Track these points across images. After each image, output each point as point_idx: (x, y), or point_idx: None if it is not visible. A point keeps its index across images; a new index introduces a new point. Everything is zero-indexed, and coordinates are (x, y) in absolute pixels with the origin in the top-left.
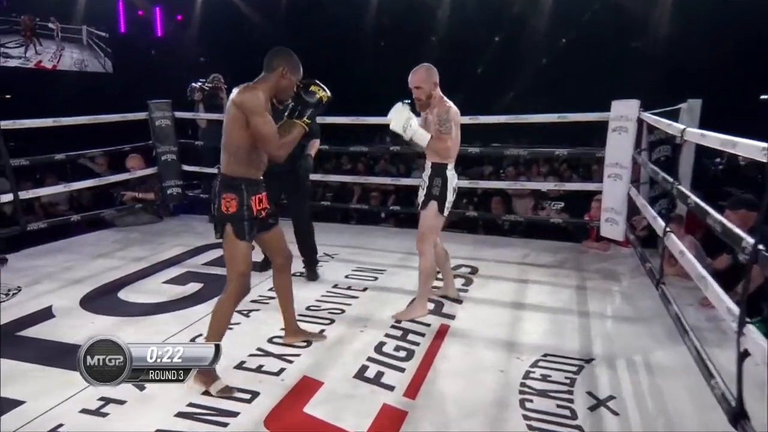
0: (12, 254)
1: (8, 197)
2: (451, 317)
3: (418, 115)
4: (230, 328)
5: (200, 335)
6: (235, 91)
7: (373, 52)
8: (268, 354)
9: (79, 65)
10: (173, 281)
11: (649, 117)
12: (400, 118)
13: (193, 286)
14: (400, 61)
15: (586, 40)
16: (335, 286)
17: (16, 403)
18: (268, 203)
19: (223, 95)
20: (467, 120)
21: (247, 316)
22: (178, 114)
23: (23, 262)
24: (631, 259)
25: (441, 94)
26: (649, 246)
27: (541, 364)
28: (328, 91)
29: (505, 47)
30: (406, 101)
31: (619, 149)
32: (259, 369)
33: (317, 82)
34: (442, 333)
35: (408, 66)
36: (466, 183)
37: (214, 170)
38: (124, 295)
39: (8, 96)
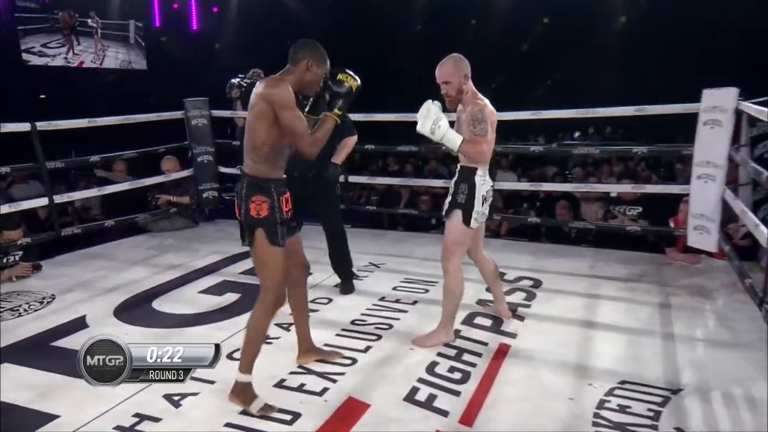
0: (46, 260)
1: (43, 201)
2: (512, 336)
3: (446, 111)
4: (269, 342)
5: (237, 350)
6: (260, 84)
7: (423, 45)
8: (309, 372)
9: (123, 63)
10: (209, 291)
11: (750, 107)
12: (428, 119)
13: (230, 297)
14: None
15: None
16: (382, 299)
17: (51, 417)
18: (291, 204)
19: None
20: (529, 115)
21: (287, 330)
22: (216, 112)
23: (57, 269)
24: (727, 273)
25: (474, 89)
26: (750, 258)
27: (617, 392)
28: (358, 79)
29: (565, 30)
30: (436, 101)
31: (711, 146)
32: (300, 388)
33: (346, 70)
34: (501, 353)
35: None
36: (527, 186)
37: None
38: (159, 305)
39: (43, 96)
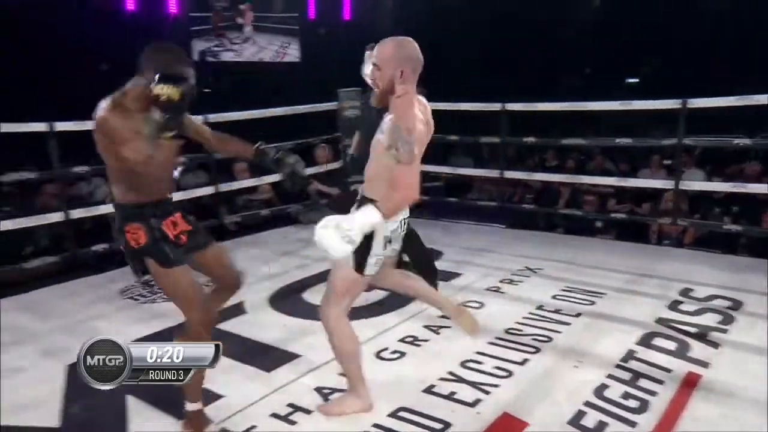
0: None
1: (210, 189)
2: (704, 364)
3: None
4: (417, 345)
5: (385, 349)
6: None
7: (591, 25)
8: (461, 380)
9: (277, 55)
10: None
11: None
12: (334, 241)
13: (378, 293)
14: (620, 35)
15: None
16: (540, 308)
17: (217, 396)
18: (188, 223)
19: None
20: (734, 101)
21: (436, 332)
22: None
23: None
24: None
25: (414, 95)
26: None
27: None
28: (180, 84)
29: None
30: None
31: None
32: (451, 396)
33: (163, 79)
34: (689, 384)
35: (633, 40)
36: (723, 186)
37: None
38: (309, 296)
39: (208, 90)
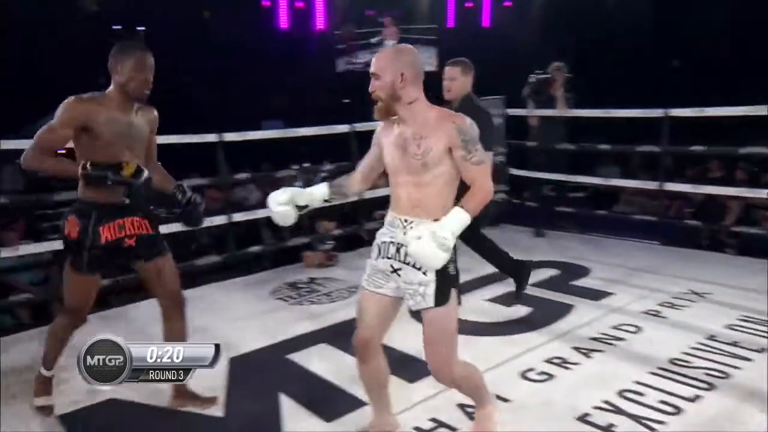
0: (347, 253)
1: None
2: None
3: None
4: (567, 367)
5: (530, 369)
6: None
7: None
8: (620, 411)
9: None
10: (497, 300)
11: None
12: (432, 250)
13: (520, 310)
14: None
15: None
16: (711, 338)
17: (361, 403)
18: (142, 228)
19: (559, 87)
20: None
21: (587, 355)
22: (512, 111)
23: (354, 260)
24: None
25: (425, 101)
26: None
27: None
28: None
29: None
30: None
31: None
32: (609, 429)
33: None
34: None
35: None
36: None
37: (545, 175)
38: None
39: (347, 100)
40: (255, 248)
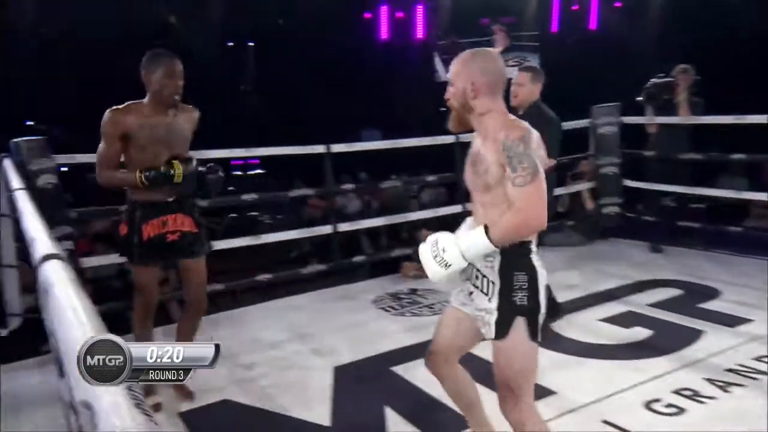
0: None
1: (457, 208)
2: None
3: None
4: (700, 401)
5: (657, 400)
6: None
7: None
8: None
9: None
10: (613, 321)
11: None
12: (435, 258)
13: (640, 332)
14: None
15: None
16: None
17: (549, 392)
18: (185, 225)
19: (682, 92)
20: None
21: (724, 389)
22: (627, 119)
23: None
24: None
25: (505, 113)
26: None
27: None
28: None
29: None
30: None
31: None
32: None
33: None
34: None
35: None
36: None
37: (665, 187)
38: (558, 325)
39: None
40: (359, 258)
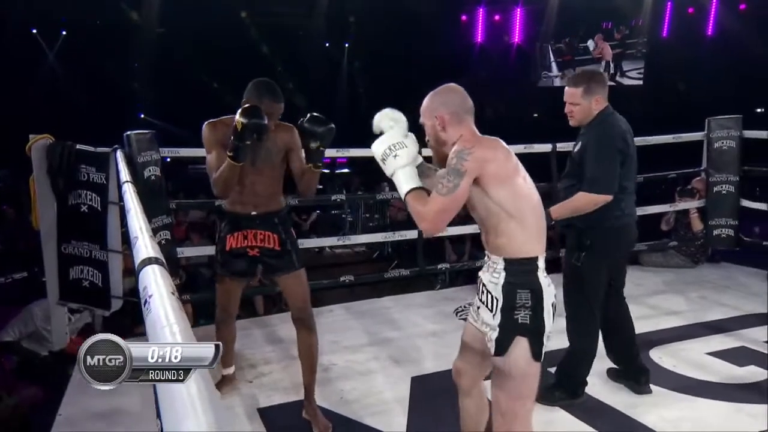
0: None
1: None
2: None
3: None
4: None
5: None
6: None
7: None
8: None
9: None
10: (722, 356)
11: None
12: (389, 137)
13: (756, 372)
14: None
15: None
16: None
17: None
18: (266, 242)
19: None
20: None
21: None
22: (749, 133)
23: None
24: None
25: (472, 131)
26: None
27: None
28: (246, 117)
29: None
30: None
31: None
32: None
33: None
34: None
35: None
36: None
37: None
38: (658, 356)
39: (536, 115)
40: (443, 265)
